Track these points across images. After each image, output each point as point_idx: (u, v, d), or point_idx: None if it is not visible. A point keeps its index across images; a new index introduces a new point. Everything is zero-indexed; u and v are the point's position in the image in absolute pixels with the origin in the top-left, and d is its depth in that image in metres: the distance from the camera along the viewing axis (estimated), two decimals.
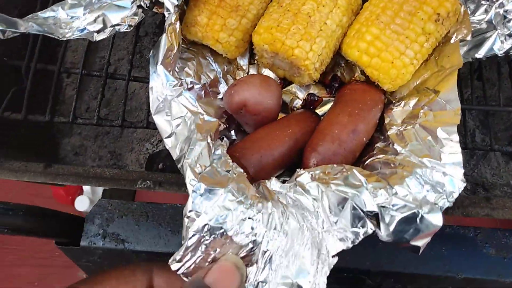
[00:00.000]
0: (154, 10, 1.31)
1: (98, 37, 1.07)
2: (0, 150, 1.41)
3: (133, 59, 1.41)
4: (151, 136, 1.78)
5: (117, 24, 1.08)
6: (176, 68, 1.21)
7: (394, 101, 1.23)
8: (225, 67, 1.33)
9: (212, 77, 1.30)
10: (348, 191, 0.91)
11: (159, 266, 0.99)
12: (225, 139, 1.24)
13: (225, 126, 1.22)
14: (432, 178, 0.93)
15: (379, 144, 1.15)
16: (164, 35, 1.04)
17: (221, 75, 1.32)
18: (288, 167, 1.20)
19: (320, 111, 1.33)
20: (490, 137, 1.33)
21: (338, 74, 1.34)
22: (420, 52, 1.12)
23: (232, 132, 1.27)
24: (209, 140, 1.03)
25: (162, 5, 1.28)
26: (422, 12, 1.07)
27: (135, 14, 1.06)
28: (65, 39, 1.03)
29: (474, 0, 1.19)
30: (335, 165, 1.01)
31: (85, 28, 1.04)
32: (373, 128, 1.17)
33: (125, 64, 1.82)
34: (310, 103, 1.32)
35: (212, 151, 1.02)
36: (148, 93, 1.09)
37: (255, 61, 1.35)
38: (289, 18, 1.13)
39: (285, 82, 1.36)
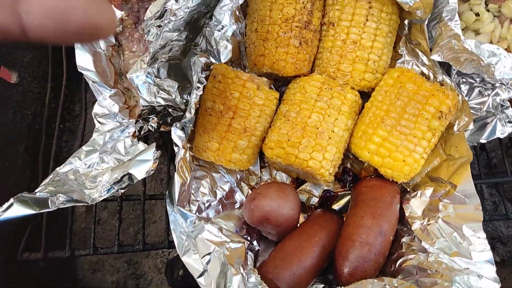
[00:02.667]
0: (162, 129, 1.34)
1: (123, 190, 1.08)
2: None
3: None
4: None
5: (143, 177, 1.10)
6: (192, 190, 1.23)
7: (408, 189, 1.26)
8: (238, 176, 1.35)
9: (227, 189, 1.32)
10: None
11: None
12: (249, 253, 1.24)
13: (248, 242, 1.23)
14: (470, 284, 0.94)
15: (404, 239, 1.16)
16: (176, 174, 1.06)
17: (235, 185, 1.34)
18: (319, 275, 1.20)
19: (337, 205, 1.35)
20: (504, 204, 1.36)
21: (348, 166, 1.37)
22: (428, 146, 1.16)
23: (255, 243, 1.27)
24: (242, 270, 1.03)
25: (167, 124, 1.32)
26: (425, 112, 1.12)
27: (156, 159, 1.07)
28: (94, 203, 1.04)
29: (466, 82, 1.26)
30: (375, 280, 1.01)
31: (111, 187, 1.05)
32: (396, 223, 1.18)
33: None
34: (327, 200, 1.34)
35: (246, 278, 1.03)
36: (166, 208, 1.09)
37: (266, 164, 1.38)
38: (298, 131, 1.16)
39: (297, 180, 1.38)
